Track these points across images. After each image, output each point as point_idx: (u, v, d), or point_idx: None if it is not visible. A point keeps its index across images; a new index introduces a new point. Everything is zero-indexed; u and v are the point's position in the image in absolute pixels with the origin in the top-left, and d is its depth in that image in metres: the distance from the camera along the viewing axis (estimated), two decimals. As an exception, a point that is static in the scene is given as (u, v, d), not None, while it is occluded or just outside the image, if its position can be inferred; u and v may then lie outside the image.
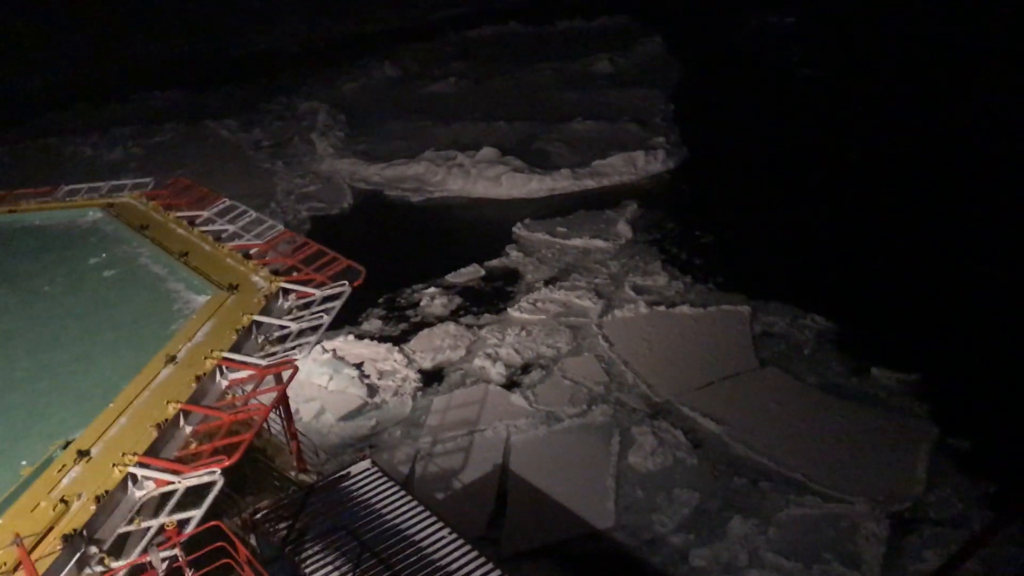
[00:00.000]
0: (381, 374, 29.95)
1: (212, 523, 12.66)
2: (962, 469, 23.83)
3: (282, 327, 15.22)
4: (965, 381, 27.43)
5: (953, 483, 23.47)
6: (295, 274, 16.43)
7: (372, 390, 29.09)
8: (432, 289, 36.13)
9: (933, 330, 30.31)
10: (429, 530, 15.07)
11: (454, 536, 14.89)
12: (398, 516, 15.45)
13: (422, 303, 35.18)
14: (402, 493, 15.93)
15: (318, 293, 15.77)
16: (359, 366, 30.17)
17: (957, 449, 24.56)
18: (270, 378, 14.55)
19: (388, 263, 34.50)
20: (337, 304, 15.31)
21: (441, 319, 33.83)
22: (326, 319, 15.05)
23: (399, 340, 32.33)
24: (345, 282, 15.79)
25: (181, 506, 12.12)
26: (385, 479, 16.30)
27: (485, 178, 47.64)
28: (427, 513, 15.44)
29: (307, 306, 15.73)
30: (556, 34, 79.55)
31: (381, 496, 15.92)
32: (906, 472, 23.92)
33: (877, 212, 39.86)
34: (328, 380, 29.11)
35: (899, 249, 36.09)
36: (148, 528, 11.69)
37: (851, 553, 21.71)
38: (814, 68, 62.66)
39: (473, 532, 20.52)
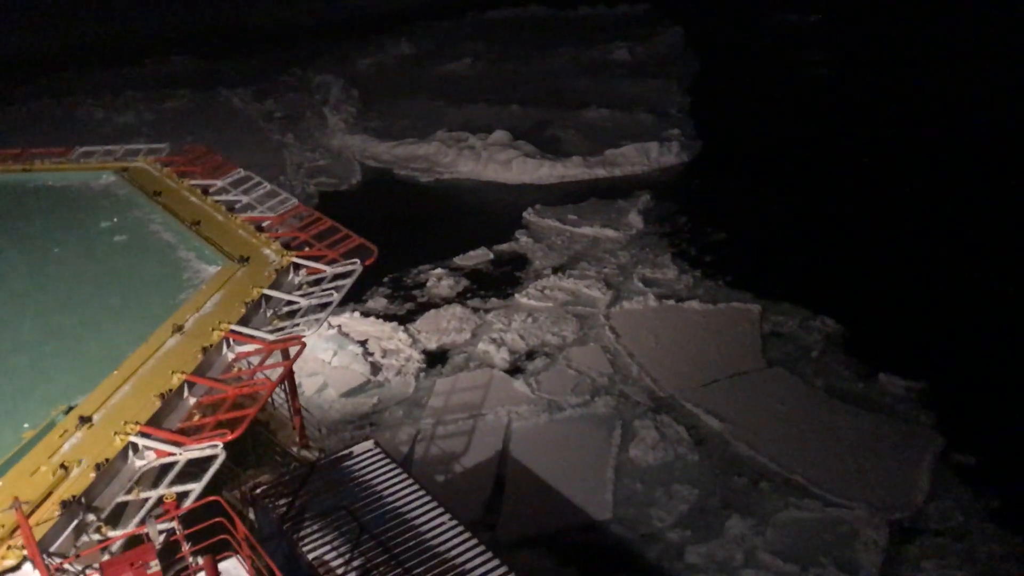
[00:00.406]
0: (385, 352, 29.84)
1: (211, 497, 12.56)
2: (965, 481, 23.65)
3: (291, 302, 15.08)
4: (973, 392, 27.22)
5: (955, 495, 23.31)
6: (307, 249, 16.27)
7: (375, 368, 28.99)
8: (439, 270, 35.95)
9: (943, 339, 30.08)
10: (429, 515, 14.95)
11: (454, 523, 14.78)
12: (399, 499, 15.33)
13: (429, 284, 35.03)
14: (404, 476, 15.81)
15: (329, 270, 15.62)
16: (363, 343, 30.06)
17: (961, 461, 24.37)
18: (277, 353, 14.41)
19: (395, 242, 34.19)
20: (348, 282, 15.16)
21: (448, 301, 33.68)
22: (336, 297, 14.91)
23: (404, 320, 32.21)
24: (357, 260, 15.63)
25: (181, 478, 12.02)
26: (388, 461, 16.19)
27: (496, 162, 47.36)
28: (428, 498, 15.32)
29: (317, 282, 15.57)
30: (576, 19, 79.00)
31: (383, 478, 15.80)
32: (908, 481, 23.76)
33: (891, 216, 39.56)
34: (332, 356, 29.02)
35: (913, 255, 35.81)
36: (147, 499, 11.58)
37: (849, 559, 21.58)
38: (833, 68, 62.14)
39: (469, 516, 20.44)
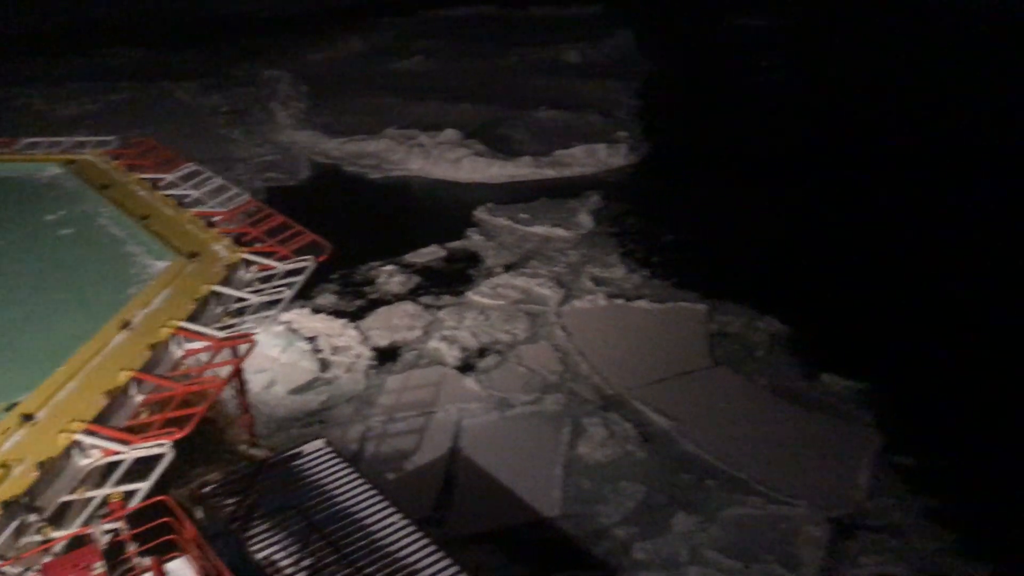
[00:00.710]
0: (335, 349, 29.66)
1: (159, 497, 12.42)
2: (903, 480, 24.18)
3: (242, 299, 14.95)
4: (913, 393, 27.86)
5: (893, 493, 23.83)
6: (258, 245, 16.13)
7: (325, 365, 28.80)
8: (390, 267, 35.86)
9: (884, 340, 30.72)
10: (380, 514, 14.93)
11: (406, 521, 14.79)
12: (350, 498, 15.28)
13: (379, 280, 34.90)
14: (356, 475, 15.76)
15: (280, 266, 15.53)
16: (313, 340, 29.86)
17: (899, 459, 24.92)
18: (226, 351, 14.28)
19: (345, 238, 33.77)
20: (300, 279, 15.10)
21: (399, 298, 33.60)
22: (288, 294, 14.84)
23: (355, 316, 32.04)
24: (310, 257, 15.55)
25: (127, 477, 11.87)
26: (339, 460, 16.12)
27: (446, 160, 47.36)
28: (379, 497, 15.30)
29: (269, 279, 15.47)
30: (528, 20, 79.19)
31: (334, 477, 15.73)
32: (848, 479, 24.25)
33: (837, 218, 40.36)
34: (280, 352, 28.75)
35: (857, 257, 36.57)
36: (92, 499, 11.41)
37: (790, 555, 21.95)
38: (783, 72, 63.14)
39: (419, 513, 20.45)
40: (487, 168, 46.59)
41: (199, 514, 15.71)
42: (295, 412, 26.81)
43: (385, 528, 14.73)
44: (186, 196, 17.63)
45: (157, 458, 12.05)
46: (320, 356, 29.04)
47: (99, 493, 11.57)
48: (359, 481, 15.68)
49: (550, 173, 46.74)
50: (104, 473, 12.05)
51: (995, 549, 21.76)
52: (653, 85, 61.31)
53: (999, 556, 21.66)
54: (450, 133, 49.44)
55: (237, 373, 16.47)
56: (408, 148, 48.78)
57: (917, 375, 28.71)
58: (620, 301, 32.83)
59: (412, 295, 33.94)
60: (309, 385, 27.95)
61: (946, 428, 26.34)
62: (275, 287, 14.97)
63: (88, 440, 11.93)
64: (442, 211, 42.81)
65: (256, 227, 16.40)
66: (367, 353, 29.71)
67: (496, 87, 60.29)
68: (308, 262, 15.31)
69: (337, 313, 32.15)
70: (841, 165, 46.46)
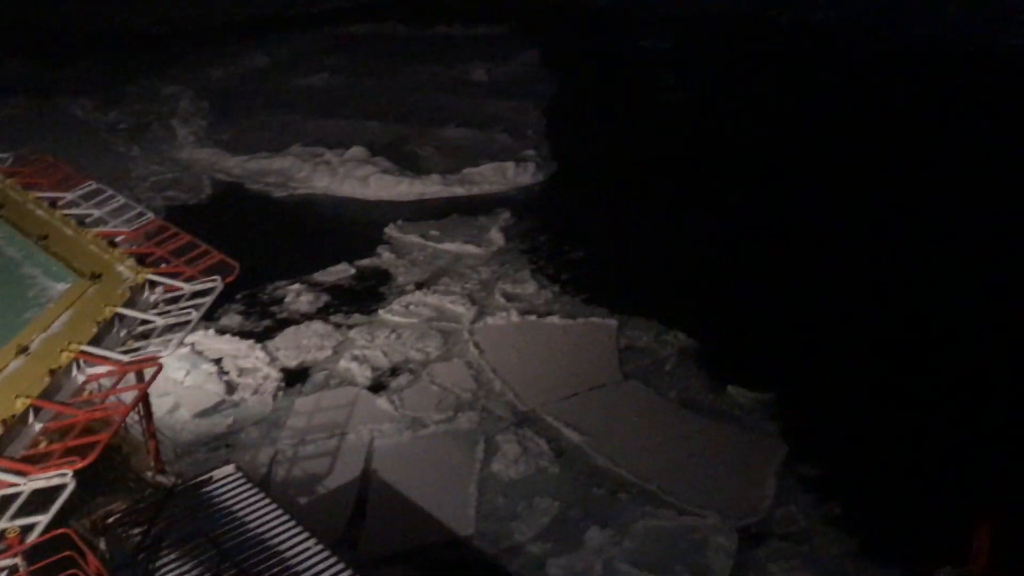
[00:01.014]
0: (241, 371, 29.02)
1: (60, 530, 11.94)
2: (807, 488, 25.03)
3: (146, 321, 14.49)
4: (816, 403, 28.84)
5: (798, 501, 24.62)
6: (163, 266, 15.64)
7: (231, 387, 28.16)
8: (298, 286, 35.28)
9: (788, 353, 31.68)
10: (294, 539, 14.67)
11: (320, 547, 14.54)
12: (261, 524, 14.96)
13: (287, 300, 34.33)
14: (267, 500, 15.44)
15: (187, 287, 15.10)
16: (218, 362, 29.17)
17: (803, 468, 25.74)
18: (131, 375, 13.82)
19: (249, 257, 33.12)
20: (208, 300, 14.73)
21: (308, 317, 33.09)
22: (195, 315, 14.45)
23: (262, 337, 31.42)
24: (217, 277, 15.18)
25: (25, 510, 11.36)
26: (249, 485, 15.76)
27: (353, 177, 46.87)
28: (292, 522, 15.02)
29: (175, 300, 15.02)
30: (435, 38, 79.17)
31: (245, 503, 15.37)
32: (755, 488, 24.94)
33: (740, 234, 41.52)
34: (184, 375, 27.99)
35: (760, 272, 37.67)
36: (-13, 534, 10.89)
37: (701, 565, 22.47)
38: (684, 92, 64.74)
39: (331, 536, 20.15)
40: (395, 186, 46.35)
41: (102, 546, 15.09)
42: (201, 436, 26.13)
43: (299, 554, 14.48)
44: (87, 215, 16.98)
45: (57, 489, 11.57)
46: (226, 378, 28.37)
47: (-6, 528, 11.03)
48: (271, 506, 15.36)
49: (459, 191, 46.79)
50: (0, 506, 11.50)
51: (897, 554, 22.68)
52: (559, 104, 62.12)
53: (901, 561, 22.59)
54: (357, 151, 48.97)
55: (143, 398, 15.93)
56: (314, 166, 48.10)
57: (819, 386, 29.74)
58: (532, 317, 33.07)
59: (321, 314, 33.46)
60: (215, 408, 27.31)
61: (848, 437, 27.36)
62: (182, 308, 14.54)
63: (-18, 472, 11.38)
64: (350, 229, 42.31)
65: (161, 247, 15.93)
66: (275, 374, 29.15)
67: (403, 105, 60.06)
68: (215, 283, 14.93)
69: (243, 334, 31.45)
70: (742, 182, 47.85)
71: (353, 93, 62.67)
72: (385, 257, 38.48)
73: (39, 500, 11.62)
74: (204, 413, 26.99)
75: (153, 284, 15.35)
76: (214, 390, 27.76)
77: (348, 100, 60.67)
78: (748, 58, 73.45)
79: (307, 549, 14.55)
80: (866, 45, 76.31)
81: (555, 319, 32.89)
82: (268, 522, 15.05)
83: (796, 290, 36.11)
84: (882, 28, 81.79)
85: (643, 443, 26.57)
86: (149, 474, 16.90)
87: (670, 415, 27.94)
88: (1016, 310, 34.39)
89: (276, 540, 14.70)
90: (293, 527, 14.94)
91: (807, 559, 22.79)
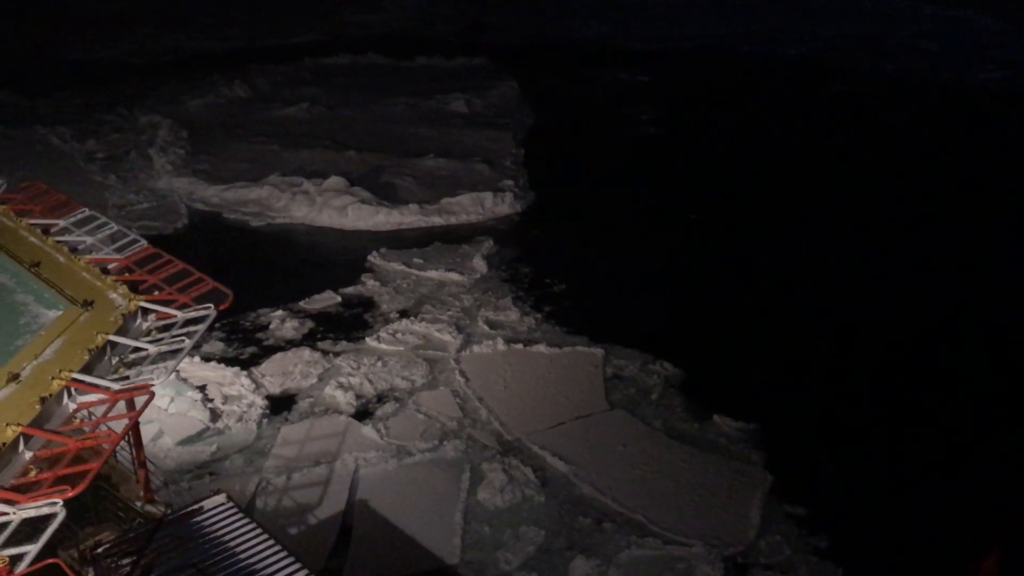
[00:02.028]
0: (226, 399, 28.82)
1: (49, 560, 11.78)
2: (792, 518, 25.18)
3: (139, 349, 14.39)
4: (801, 433, 29.08)
5: (783, 530, 24.76)
6: (156, 293, 15.57)
7: (215, 415, 27.94)
8: (281, 312, 35.18)
9: (772, 383, 31.97)
10: (286, 571, 14.51)
11: (312, 577, 14.42)
12: (253, 555, 14.82)
13: (272, 327, 34.19)
14: (258, 531, 15.30)
15: (180, 315, 15.02)
16: (202, 389, 28.92)
17: (788, 498, 25.88)
18: (122, 403, 13.71)
19: (230, 286, 33.45)
20: (201, 328, 14.64)
21: (293, 344, 33.01)
22: (188, 343, 14.36)
23: (247, 364, 31.28)
24: (210, 305, 15.12)
25: (14, 539, 11.22)
26: (240, 515, 15.63)
27: (331, 207, 46.83)
28: (284, 552, 14.89)
29: (167, 328, 14.92)
30: (414, 69, 79.61)
31: (235, 533, 15.24)
32: (741, 517, 25.06)
33: (722, 266, 41.88)
34: (168, 402, 27.75)
35: (744, 303, 38.03)
36: (-26, 564, 10.76)
37: (687, 594, 22.49)
38: (661, 126, 65.38)
39: (315, 565, 19.96)
40: (373, 216, 46.33)
41: (90, 576, 14.95)
42: (184, 464, 25.93)
43: (290, 584, 14.34)
44: (80, 242, 16.89)
45: (47, 518, 11.43)
46: (210, 406, 28.12)
47: (-18, 557, 10.88)
48: (262, 537, 15.22)
49: (437, 221, 46.79)
50: (-11, 535, 11.34)
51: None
52: (538, 135, 62.64)
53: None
54: (335, 181, 48.84)
55: (134, 427, 15.80)
56: (292, 195, 47.88)
57: (804, 417, 30.02)
58: (519, 346, 33.08)
59: (307, 342, 33.33)
60: (198, 436, 27.12)
61: (833, 467, 27.57)
62: (174, 336, 14.47)
63: (-30, 501, 11.25)
64: (330, 258, 42.31)
65: (154, 274, 15.87)
66: (260, 402, 29.00)
67: (382, 135, 60.13)
68: (209, 310, 14.87)
69: (228, 361, 31.26)
70: (721, 212, 48.38)
71: (332, 124, 62.80)
72: (370, 285, 38.40)
73: (28, 529, 11.48)
74: (187, 441, 26.77)
75: (146, 311, 15.28)
76: (198, 417, 27.54)
77: (327, 131, 60.78)
78: (723, 91, 74.55)
79: (299, 581, 14.43)
80: (840, 80, 77.77)
81: (542, 348, 32.94)
82: (259, 553, 14.91)
83: (780, 321, 36.44)
84: (856, 64, 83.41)
85: (628, 472, 26.64)
86: (138, 503, 16.72)
87: (656, 444, 27.98)
88: (999, 336, 34.96)
89: (267, 571, 14.56)
90: (285, 558, 14.81)
91: (792, 589, 22.88)
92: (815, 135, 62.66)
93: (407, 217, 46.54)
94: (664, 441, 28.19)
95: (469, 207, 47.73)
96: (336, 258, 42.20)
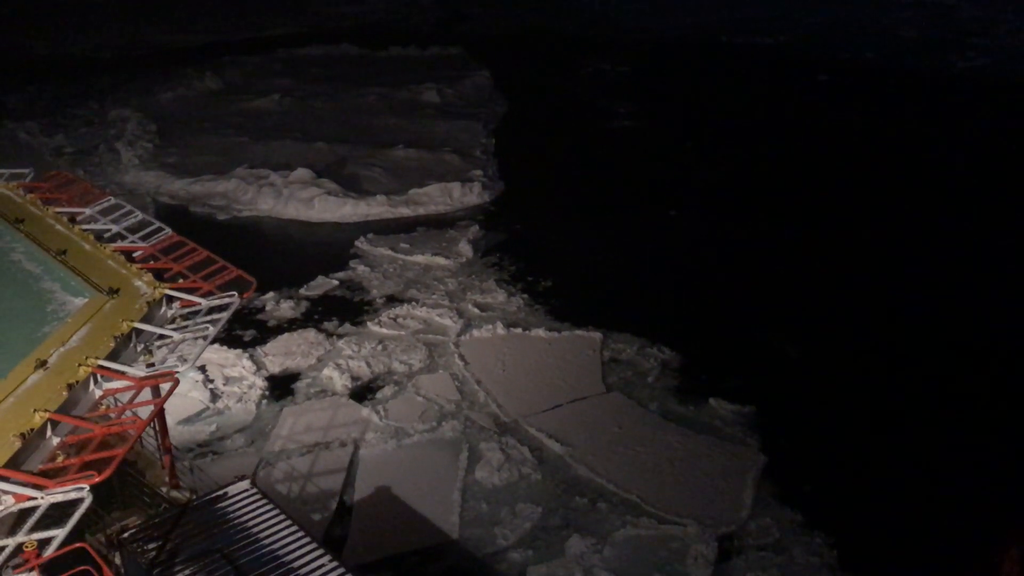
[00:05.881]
0: (227, 379, 29.07)
1: (76, 544, 11.96)
2: (784, 499, 25.66)
3: (163, 336, 14.53)
4: (794, 416, 29.57)
5: (773, 511, 25.24)
6: (181, 281, 15.69)
7: (215, 395, 28.14)
8: (274, 293, 35.48)
9: (767, 366, 32.51)
10: (309, 556, 14.74)
11: (334, 564, 14.66)
12: (277, 540, 15.02)
13: (269, 309, 34.50)
14: (282, 517, 15.50)
15: (204, 303, 15.16)
16: (203, 369, 29.08)
17: (781, 479, 26.40)
18: (147, 390, 13.87)
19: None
20: (225, 315, 14.78)
21: (291, 328, 33.32)
22: (212, 330, 14.50)
23: (248, 346, 31.56)
24: (234, 292, 15.26)
25: (42, 524, 11.40)
26: (264, 501, 15.83)
27: (297, 199, 46.68)
28: (308, 539, 15.11)
29: (192, 315, 15.07)
30: (388, 60, 79.15)
31: (259, 519, 15.43)
32: (734, 498, 25.54)
33: (717, 248, 42.39)
34: (169, 383, 27.79)
35: (737, 287, 38.55)
36: (4, 547, 10.92)
37: (680, 573, 22.96)
38: (636, 118, 65.33)
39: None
40: (339, 207, 46.08)
41: (118, 561, 15.12)
42: (184, 443, 26.08)
43: (313, 571, 14.56)
44: (106, 230, 16.93)
45: (74, 503, 11.60)
46: (211, 386, 28.40)
47: (12, 541, 11.04)
48: (286, 523, 15.43)
49: (404, 211, 46.60)
50: (17, 520, 11.51)
51: (873, 565, 23.41)
52: (510, 125, 62.45)
53: (877, 572, 23.31)
54: (302, 172, 48.60)
55: (158, 413, 15.95)
56: (258, 188, 47.64)
57: (798, 399, 30.54)
58: (518, 330, 33.45)
59: (304, 325, 33.64)
60: (198, 415, 27.38)
61: (825, 449, 28.10)
62: (199, 323, 14.61)
63: (0, 485, 11.38)
64: (305, 249, 42.53)
65: (179, 262, 15.97)
66: (260, 383, 29.27)
67: (352, 126, 59.72)
68: (233, 298, 15.00)
69: (229, 343, 31.39)
70: (703, 206, 48.74)
71: (302, 115, 62.60)
72: (359, 270, 38.75)
73: (56, 514, 11.65)
74: (187, 420, 27.01)
75: (170, 299, 15.40)
76: (198, 397, 27.84)
77: (297, 122, 60.56)
78: (704, 82, 74.66)
79: (322, 567, 14.65)
80: (821, 69, 78.02)
81: (540, 332, 33.32)
82: (283, 539, 15.11)
83: (774, 305, 36.97)
84: (836, 51, 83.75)
85: (624, 453, 27.06)
86: (164, 489, 16.91)
87: (651, 426, 28.42)
88: (996, 320, 35.76)
89: (291, 557, 14.77)
90: (308, 544, 15.03)
91: (784, 569, 23.33)
92: (798, 125, 63.09)
93: (374, 208, 46.49)
94: (659, 423, 28.63)
95: (437, 197, 47.72)
96: (310, 249, 42.58)
